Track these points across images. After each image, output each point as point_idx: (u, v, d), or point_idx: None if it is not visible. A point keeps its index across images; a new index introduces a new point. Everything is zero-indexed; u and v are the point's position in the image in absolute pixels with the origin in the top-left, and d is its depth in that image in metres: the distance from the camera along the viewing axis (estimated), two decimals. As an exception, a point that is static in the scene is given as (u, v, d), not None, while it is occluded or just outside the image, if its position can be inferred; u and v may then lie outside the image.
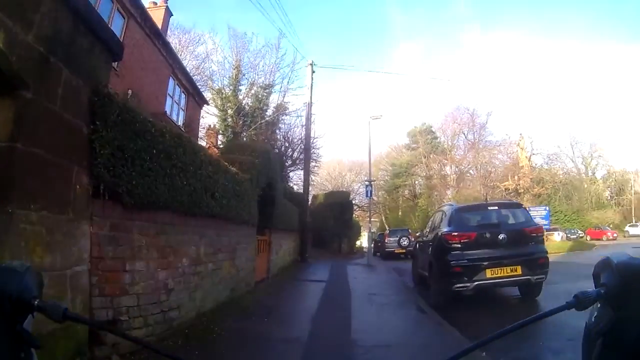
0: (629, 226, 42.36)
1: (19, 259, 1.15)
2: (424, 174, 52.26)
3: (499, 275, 8.34)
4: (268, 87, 26.61)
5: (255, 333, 6.44)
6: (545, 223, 27.41)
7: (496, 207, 9.91)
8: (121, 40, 13.77)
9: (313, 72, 21.13)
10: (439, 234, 9.46)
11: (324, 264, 19.94)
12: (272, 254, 13.51)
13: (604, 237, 38.52)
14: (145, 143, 5.07)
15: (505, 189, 36.77)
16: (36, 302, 0.92)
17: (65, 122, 3.97)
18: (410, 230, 30.97)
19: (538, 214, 27.52)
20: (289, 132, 25.80)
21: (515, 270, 8.29)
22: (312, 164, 24.02)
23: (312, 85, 21.06)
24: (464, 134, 46.85)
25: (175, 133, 6.01)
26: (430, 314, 8.21)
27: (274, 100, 26.44)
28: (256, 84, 26.31)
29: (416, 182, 54.50)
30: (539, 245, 9.03)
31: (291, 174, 25.86)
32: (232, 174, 8.37)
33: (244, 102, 26.12)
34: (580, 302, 0.95)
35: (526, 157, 38.81)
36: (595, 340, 1.00)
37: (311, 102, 21.29)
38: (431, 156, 49.91)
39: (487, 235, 8.72)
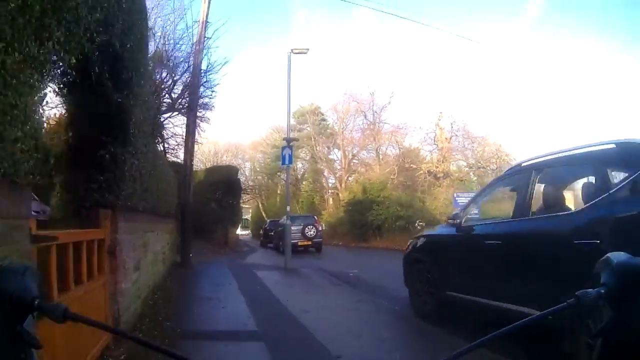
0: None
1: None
2: (309, 157, 45.27)
3: None
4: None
5: None
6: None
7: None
8: None
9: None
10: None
11: (218, 270, 11.87)
12: (124, 274, 4.90)
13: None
14: None
15: (428, 171, 30.25)
16: (36, 302, 0.82)
17: None
18: (316, 217, 23.61)
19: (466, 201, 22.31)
20: (172, 49, 14.56)
21: None
22: (201, 112, 14.71)
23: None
24: (364, 113, 39.59)
25: None
26: None
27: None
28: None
29: (299, 165, 47.31)
30: None
31: (168, 124, 15.49)
32: None
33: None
34: (580, 302, 0.85)
35: (446, 138, 32.28)
36: (595, 340, 0.92)
37: (206, 21, 12.67)
38: (317, 138, 42.85)
39: None
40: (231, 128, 77.71)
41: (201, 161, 41.01)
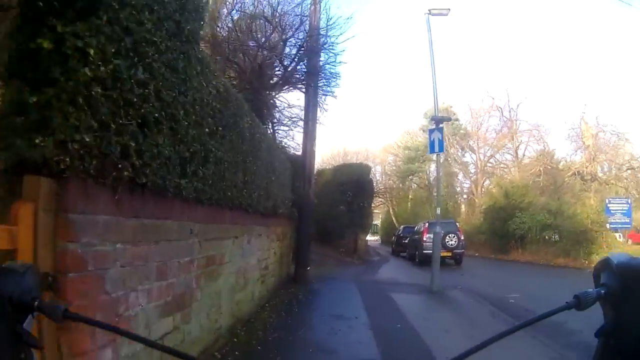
0: None
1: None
2: (442, 159, 41.65)
3: None
4: None
5: None
6: (626, 221, 19.49)
7: None
8: None
9: None
10: None
11: (342, 291, 9.07)
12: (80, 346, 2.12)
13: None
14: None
15: (577, 171, 25.25)
16: (36, 303, 0.80)
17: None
18: (458, 224, 19.82)
19: (619, 209, 19.39)
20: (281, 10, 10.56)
21: None
22: (324, 84, 11.43)
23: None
24: (500, 109, 35.03)
25: None
26: None
27: None
28: None
29: (432, 168, 43.56)
30: None
31: (279, 104, 12.19)
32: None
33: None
34: (580, 302, 0.83)
35: (592, 134, 26.83)
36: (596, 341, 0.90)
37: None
38: (451, 139, 38.99)
39: None
40: (360, 133, 75.58)
41: (329, 163, 39.43)
